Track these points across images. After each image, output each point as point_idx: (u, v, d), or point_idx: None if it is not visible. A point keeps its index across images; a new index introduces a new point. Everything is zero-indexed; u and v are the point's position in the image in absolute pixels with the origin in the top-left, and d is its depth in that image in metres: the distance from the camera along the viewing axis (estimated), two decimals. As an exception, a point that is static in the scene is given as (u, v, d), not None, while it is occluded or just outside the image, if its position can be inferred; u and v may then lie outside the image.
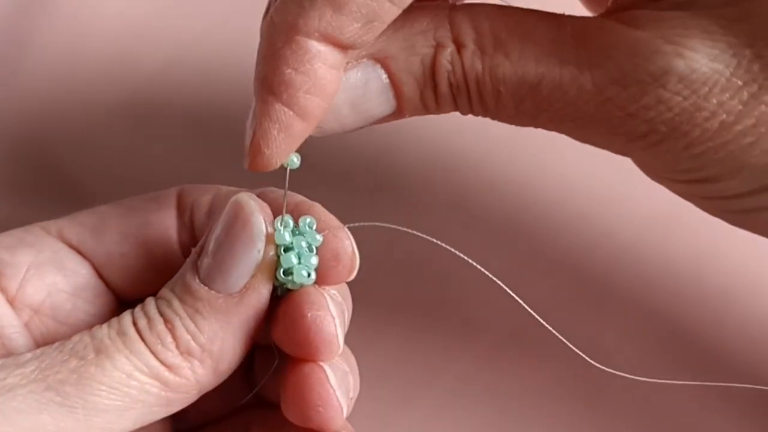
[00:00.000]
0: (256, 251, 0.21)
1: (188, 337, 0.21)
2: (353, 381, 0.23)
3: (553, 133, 0.32)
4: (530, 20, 0.21)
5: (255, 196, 0.22)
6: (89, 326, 0.23)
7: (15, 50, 0.35)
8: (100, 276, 0.24)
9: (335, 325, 0.21)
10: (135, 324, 0.21)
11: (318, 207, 0.23)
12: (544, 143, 0.32)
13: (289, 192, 0.23)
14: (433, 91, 0.22)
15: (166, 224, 0.24)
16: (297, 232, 0.22)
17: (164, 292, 0.22)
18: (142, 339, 0.20)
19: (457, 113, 0.24)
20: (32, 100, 0.35)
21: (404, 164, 0.32)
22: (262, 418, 0.25)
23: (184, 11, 0.36)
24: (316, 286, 0.22)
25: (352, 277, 0.22)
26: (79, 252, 0.24)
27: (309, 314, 0.21)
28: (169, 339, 0.21)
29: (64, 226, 0.24)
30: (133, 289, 0.24)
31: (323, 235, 0.22)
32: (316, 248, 0.22)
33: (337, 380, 0.21)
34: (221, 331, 0.21)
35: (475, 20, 0.21)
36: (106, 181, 0.33)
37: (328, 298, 0.21)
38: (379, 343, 0.29)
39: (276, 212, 0.22)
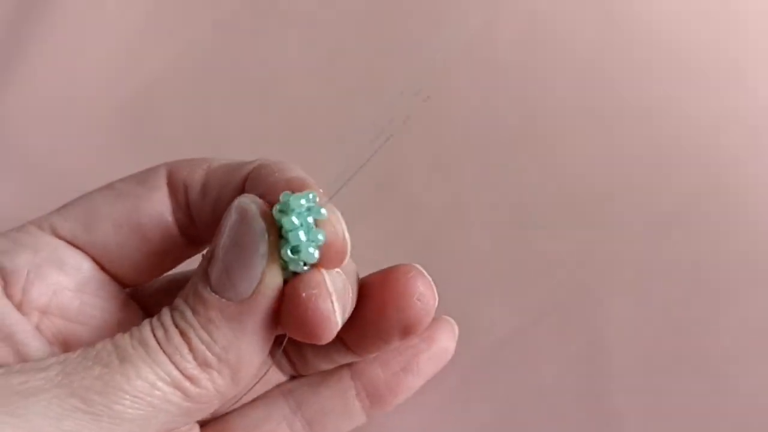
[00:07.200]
0: (259, 257, 0.21)
1: (203, 347, 0.21)
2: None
3: (554, 134, 0.32)
4: None
5: (256, 199, 0.21)
6: (99, 320, 0.23)
7: (15, 50, 0.35)
8: (102, 268, 0.24)
9: (332, 302, 0.21)
10: (154, 334, 0.21)
11: (310, 181, 0.22)
12: (545, 143, 0.32)
13: (279, 162, 0.22)
14: None
15: (159, 207, 0.23)
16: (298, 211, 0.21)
17: (178, 302, 0.21)
18: (162, 350, 0.20)
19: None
20: (32, 101, 0.35)
21: (404, 164, 0.32)
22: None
23: (185, 12, 0.36)
24: (317, 268, 0.21)
25: (345, 261, 0.22)
26: (76, 247, 0.23)
27: (304, 293, 0.21)
28: (186, 350, 0.20)
29: (56, 222, 0.23)
30: (137, 275, 0.24)
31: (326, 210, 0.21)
32: (321, 222, 0.21)
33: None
34: (236, 339, 0.21)
35: None
36: (106, 181, 0.33)
37: (326, 275, 0.21)
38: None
39: (273, 191, 0.21)
